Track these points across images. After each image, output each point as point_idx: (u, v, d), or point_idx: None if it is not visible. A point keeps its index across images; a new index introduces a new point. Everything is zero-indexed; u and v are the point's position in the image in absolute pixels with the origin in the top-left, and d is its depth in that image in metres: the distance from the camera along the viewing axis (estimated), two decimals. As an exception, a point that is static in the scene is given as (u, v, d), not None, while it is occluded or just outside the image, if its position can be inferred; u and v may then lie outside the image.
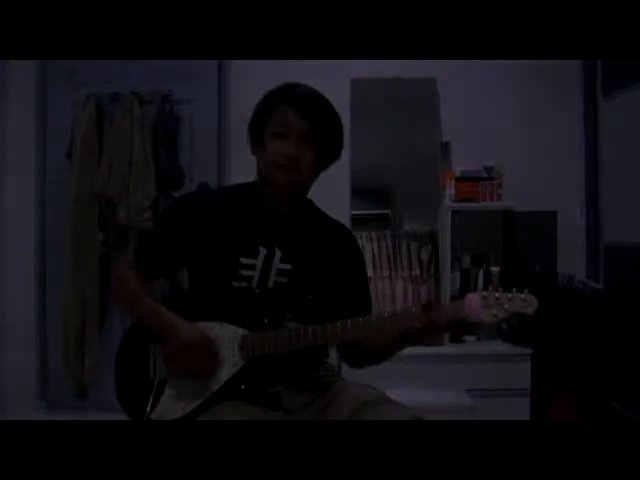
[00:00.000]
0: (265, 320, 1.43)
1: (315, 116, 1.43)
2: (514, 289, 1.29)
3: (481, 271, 3.02)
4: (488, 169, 3.07)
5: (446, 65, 2.92)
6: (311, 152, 1.44)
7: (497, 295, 1.28)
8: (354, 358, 1.55)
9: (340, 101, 1.50)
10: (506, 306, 1.27)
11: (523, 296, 1.28)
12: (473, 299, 1.29)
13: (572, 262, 3.07)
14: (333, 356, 1.59)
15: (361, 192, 3.19)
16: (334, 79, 2.79)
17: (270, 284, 1.45)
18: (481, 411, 2.49)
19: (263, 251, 1.46)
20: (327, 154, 1.49)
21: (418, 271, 3.14)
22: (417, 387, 2.59)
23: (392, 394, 1.44)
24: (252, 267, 1.45)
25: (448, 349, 2.86)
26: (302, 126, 1.42)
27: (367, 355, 1.51)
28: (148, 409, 1.44)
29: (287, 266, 1.47)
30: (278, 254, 1.47)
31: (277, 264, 1.46)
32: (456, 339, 2.93)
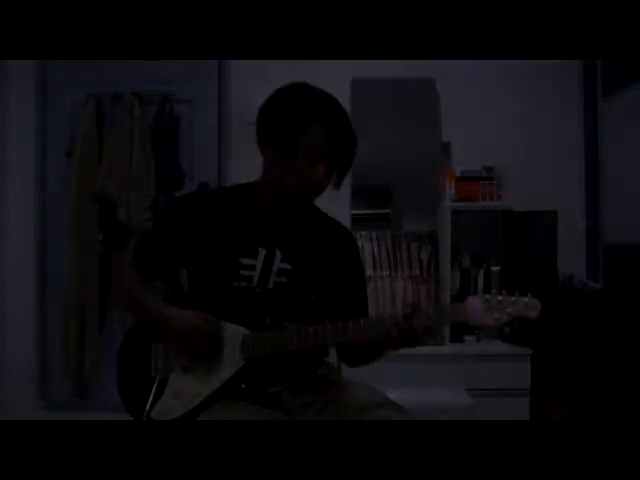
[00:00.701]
0: (267, 320, 1.43)
1: (346, 146, 1.46)
2: (517, 292, 1.28)
3: (481, 271, 3.03)
4: (488, 169, 3.07)
5: (446, 65, 2.92)
6: (334, 175, 1.49)
7: (500, 298, 1.27)
8: (350, 357, 1.55)
9: (340, 101, 1.49)
10: (509, 310, 1.26)
11: (526, 300, 1.27)
12: (475, 302, 1.28)
13: (572, 262, 3.07)
14: (333, 355, 1.59)
15: (361, 192, 3.19)
16: (334, 79, 2.78)
17: (270, 284, 1.46)
18: (481, 411, 2.49)
19: (262, 252, 1.46)
20: (344, 176, 1.53)
21: (418, 271, 3.14)
22: (417, 386, 2.59)
23: (392, 394, 1.43)
24: (252, 267, 1.45)
25: (448, 348, 2.86)
26: (333, 153, 1.44)
27: (363, 354, 1.51)
28: (147, 407, 1.44)
29: (287, 266, 1.47)
30: (278, 254, 1.47)
31: (277, 264, 1.46)
32: (456, 339, 2.93)
